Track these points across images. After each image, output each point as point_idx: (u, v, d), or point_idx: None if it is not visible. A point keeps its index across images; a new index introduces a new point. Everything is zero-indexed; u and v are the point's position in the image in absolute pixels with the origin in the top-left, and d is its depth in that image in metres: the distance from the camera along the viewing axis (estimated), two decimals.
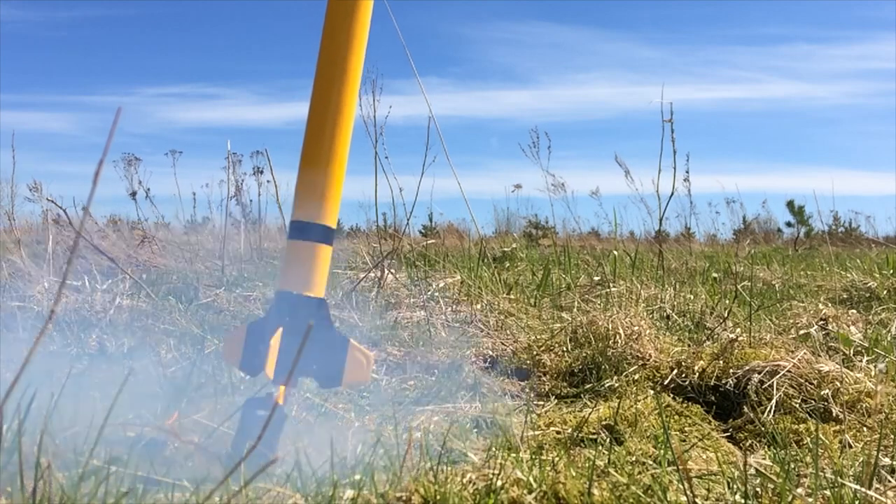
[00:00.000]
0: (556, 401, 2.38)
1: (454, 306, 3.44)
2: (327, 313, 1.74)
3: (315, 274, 1.75)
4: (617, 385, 2.42)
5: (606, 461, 1.59)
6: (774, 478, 1.46)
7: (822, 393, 2.14)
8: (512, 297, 3.81)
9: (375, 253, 4.52)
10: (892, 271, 4.67)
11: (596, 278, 4.34)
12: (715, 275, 4.59)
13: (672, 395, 2.32)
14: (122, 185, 5.84)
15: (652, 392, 2.34)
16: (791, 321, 3.23)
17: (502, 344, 2.91)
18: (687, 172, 4.46)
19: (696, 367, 2.42)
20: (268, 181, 5.42)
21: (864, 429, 1.99)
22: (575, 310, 3.46)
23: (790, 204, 10.82)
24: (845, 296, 4.24)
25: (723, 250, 7.59)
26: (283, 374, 1.65)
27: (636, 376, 2.47)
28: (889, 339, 2.88)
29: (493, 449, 1.56)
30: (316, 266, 1.75)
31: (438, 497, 1.29)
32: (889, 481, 1.45)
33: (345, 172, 1.81)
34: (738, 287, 3.60)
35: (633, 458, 1.74)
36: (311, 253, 1.75)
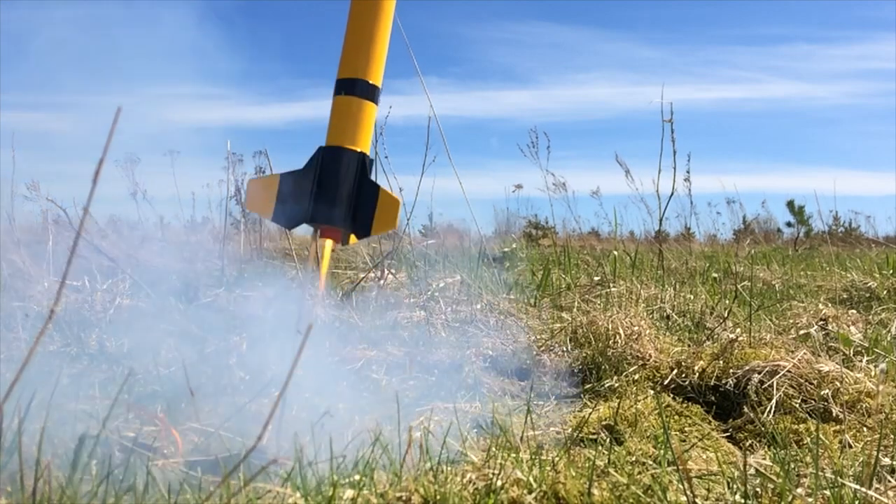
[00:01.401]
0: (556, 401, 2.38)
1: (454, 306, 3.44)
2: (369, 168, 1.77)
3: (359, 129, 1.78)
4: (617, 385, 2.42)
5: (606, 461, 1.59)
6: (774, 478, 1.46)
7: (822, 393, 2.14)
8: (512, 297, 3.81)
9: (375, 253, 4.52)
10: (892, 271, 4.67)
11: (596, 278, 4.34)
12: (715, 275, 4.59)
13: (672, 395, 2.32)
14: (123, 184, 5.82)
15: (652, 392, 2.34)
16: (791, 321, 3.23)
17: (502, 344, 2.91)
18: (687, 172, 4.46)
19: (696, 367, 2.42)
20: None
21: (864, 429, 1.99)
22: (575, 310, 3.46)
23: (790, 204, 10.81)
24: (845, 296, 4.24)
25: (723, 250, 7.58)
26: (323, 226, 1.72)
27: (636, 376, 2.47)
28: (889, 339, 2.88)
29: (493, 449, 1.56)
30: (360, 121, 1.78)
31: (438, 497, 1.29)
32: (889, 481, 1.45)
33: (389, 35, 1.85)
34: (738, 287, 3.60)
35: (633, 458, 1.74)
36: (356, 108, 1.78)
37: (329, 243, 1.78)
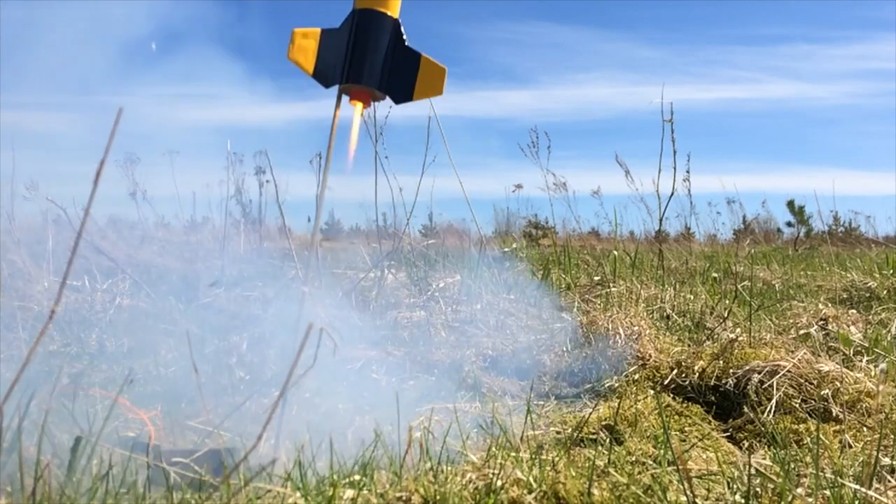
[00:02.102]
0: (556, 401, 2.38)
1: (454, 306, 3.44)
2: (400, 32, 1.81)
3: None
4: (617, 385, 2.42)
5: (606, 461, 1.59)
6: (774, 478, 1.46)
7: (822, 393, 2.14)
8: (512, 297, 3.81)
9: (375, 253, 4.52)
10: (892, 271, 4.67)
11: (596, 278, 4.34)
12: (715, 275, 4.59)
13: (672, 395, 2.32)
14: (123, 184, 5.81)
15: (652, 392, 2.34)
16: (791, 321, 3.23)
17: (502, 344, 2.91)
18: (687, 172, 4.45)
19: (696, 367, 2.42)
20: (267, 181, 5.41)
21: (864, 429, 1.99)
22: (575, 310, 3.46)
23: (790, 204, 10.79)
24: (845, 296, 4.24)
25: (723, 250, 7.57)
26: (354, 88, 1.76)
27: (636, 376, 2.47)
28: (889, 339, 2.88)
29: (493, 449, 1.56)
30: None
31: (438, 497, 1.29)
32: (889, 481, 1.44)
33: None
34: (738, 287, 3.60)
35: (633, 458, 1.74)
36: None
37: (359, 107, 1.81)
